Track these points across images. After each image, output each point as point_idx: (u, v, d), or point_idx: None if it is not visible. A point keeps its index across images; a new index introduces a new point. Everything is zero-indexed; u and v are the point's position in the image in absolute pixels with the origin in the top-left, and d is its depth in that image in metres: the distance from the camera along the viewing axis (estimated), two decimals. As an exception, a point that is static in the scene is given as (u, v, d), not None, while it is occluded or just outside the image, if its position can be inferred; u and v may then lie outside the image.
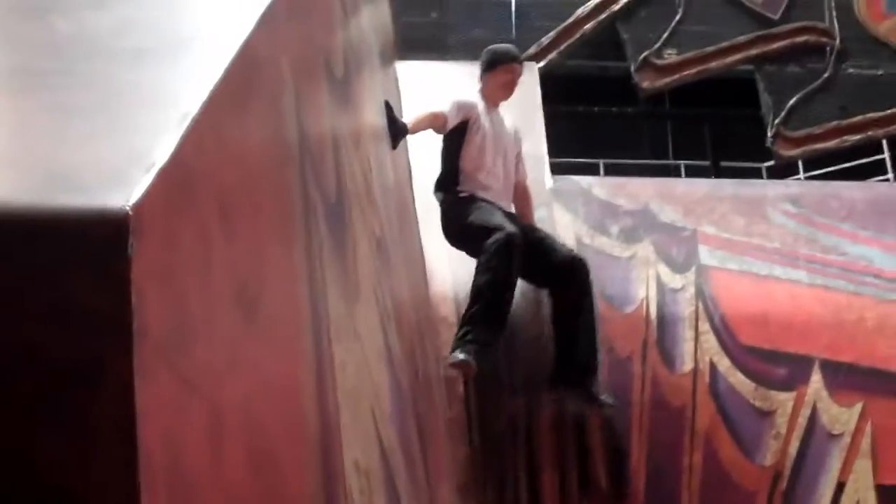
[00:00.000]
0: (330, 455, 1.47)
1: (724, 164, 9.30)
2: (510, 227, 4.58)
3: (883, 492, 4.92)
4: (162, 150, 0.91)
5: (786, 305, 5.38)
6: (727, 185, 6.31)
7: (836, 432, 5.06)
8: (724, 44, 8.57)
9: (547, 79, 6.77)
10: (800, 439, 5.03)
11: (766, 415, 5.06)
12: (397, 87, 5.11)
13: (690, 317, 5.29)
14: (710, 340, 5.24)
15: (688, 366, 5.14)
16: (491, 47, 5.22)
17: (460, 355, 4.32)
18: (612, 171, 8.64)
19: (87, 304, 0.75)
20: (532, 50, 8.23)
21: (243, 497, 0.99)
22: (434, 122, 4.84)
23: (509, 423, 4.84)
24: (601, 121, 9.02)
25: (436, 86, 5.55)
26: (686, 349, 5.20)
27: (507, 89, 5.09)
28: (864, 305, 5.39)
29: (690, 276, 5.43)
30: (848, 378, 5.14)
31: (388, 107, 4.28)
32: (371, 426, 2.00)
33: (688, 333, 5.25)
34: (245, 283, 1.11)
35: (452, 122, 4.93)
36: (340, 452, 1.56)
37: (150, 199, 0.83)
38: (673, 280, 5.41)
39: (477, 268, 4.55)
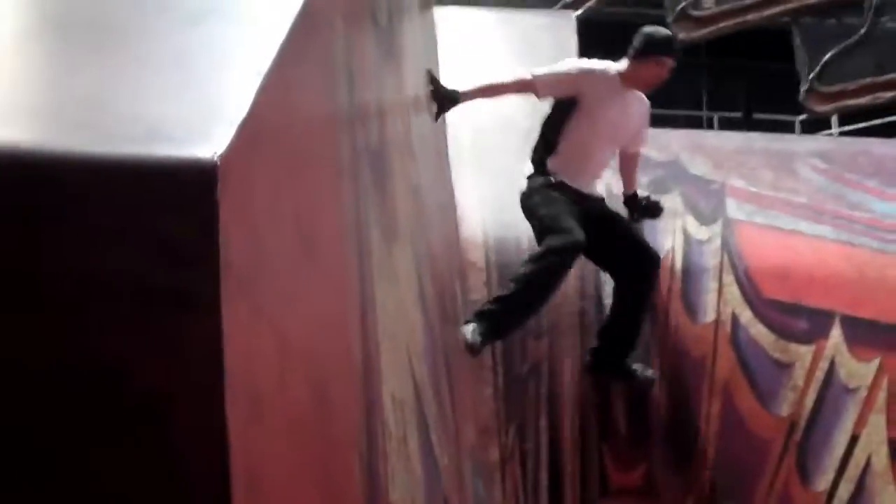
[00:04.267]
0: (371, 386, 1.60)
1: (757, 116, 9.31)
2: (578, 235, 4.26)
3: (895, 445, 5.03)
4: (239, 104, 1.02)
5: (810, 260, 5.46)
6: (757, 139, 6.35)
7: (852, 386, 5.16)
8: (762, -3, 8.54)
9: (583, 26, 6.81)
10: (816, 392, 5.13)
11: (785, 366, 5.15)
12: (434, 34, 5.20)
13: (715, 268, 5.37)
14: (733, 292, 5.33)
15: (710, 316, 5.24)
16: (648, 31, 4.65)
17: (468, 334, 4.05)
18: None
19: (181, 240, 0.87)
20: (569, -2, 8.24)
21: (302, 416, 1.11)
22: (521, 88, 4.45)
23: (532, 366, 4.97)
24: (635, 71, 9.03)
25: (470, 33, 5.61)
26: (709, 300, 5.29)
27: (653, 83, 4.60)
28: (886, 263, 5.46)
29: (717, 228, 5.50)
30: (867, 334, 5.23)
31: (430, 75, 4.12)
32: (406, 362, 2.12)
33: (712, 285, 5.34)
34: (305, 224, 1.22)
35: (562, 92, 4.50)
36: (380, 385, 1.68)
37: (232, 150, 0.94)
38: (699, 232, 5.49)
39: (531, 257, 4.34)
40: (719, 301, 5.29)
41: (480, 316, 4.15)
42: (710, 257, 5.41)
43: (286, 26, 1.27)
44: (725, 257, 5.41)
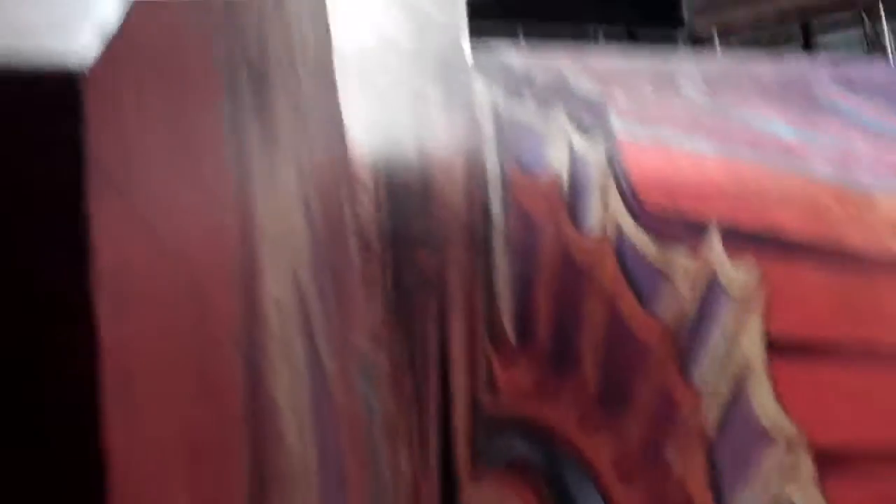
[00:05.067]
0: (251, 287, 1.66)
1: (641, 30, 9.46)
2: None
3: (771, 345, 5.29)
4: (109, 9, 1.05)
5: (691, 174, 5.64)
6: (641, 56, 6.49)
7: (732, 293, 5.39)
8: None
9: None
10: (698, 299, 5.35)
11: (667, 275, 5.35)
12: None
13: (600, 183, 5.52)
14: (617, 205, 5.49)
15: (596, 228, 5.39)
16: None
17: None
18: (530, 36, 8.75)
19: (46, 141, 0.91)
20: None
21: (176, 314, 1.17)
22: None
23: (421, 276, 5.07)
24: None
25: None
26: (594, 213, 5.44)
27: None
28: (766, 176, 5.67)
29: (601, 144, 5.64)
30: (747, 243, 5.44)
31: None
32: (289, 267, 2.19)
33: (596, 198, 5.49)
34: (181, 128, 1.27)
35: None
36: (262, 286, 1.75)
37: (102, 57, 0.98)
38: (584, 147, 5.61)
39: None
40: (604, 214, 5.45)
41: None
42: (595, 172, 5.55)
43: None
44: (610, 172, 5.56)
